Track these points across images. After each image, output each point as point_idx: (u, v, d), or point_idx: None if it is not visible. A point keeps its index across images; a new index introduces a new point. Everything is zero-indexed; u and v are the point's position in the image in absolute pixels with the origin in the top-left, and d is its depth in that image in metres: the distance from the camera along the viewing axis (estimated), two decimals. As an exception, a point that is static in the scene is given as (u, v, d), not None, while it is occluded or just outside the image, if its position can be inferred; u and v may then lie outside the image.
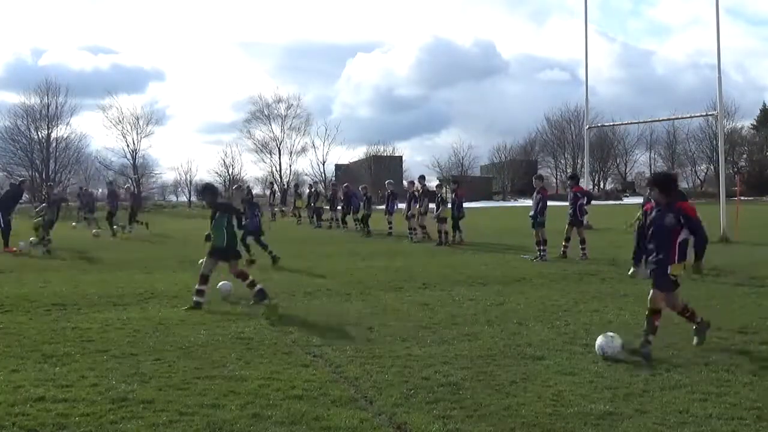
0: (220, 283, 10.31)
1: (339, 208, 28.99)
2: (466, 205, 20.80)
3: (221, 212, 9.86)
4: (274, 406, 5.18)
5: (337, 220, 28.99)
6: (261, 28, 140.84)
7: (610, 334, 6.68)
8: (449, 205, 19.84)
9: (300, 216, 33.50)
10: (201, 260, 12.46)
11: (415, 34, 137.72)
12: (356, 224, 25.62)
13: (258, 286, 9.89)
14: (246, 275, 10.04)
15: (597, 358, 6.51)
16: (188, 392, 5.52)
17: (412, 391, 5.49)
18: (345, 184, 29.36)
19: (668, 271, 6.68)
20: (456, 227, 19.69)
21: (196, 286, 9.58)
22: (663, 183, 6.91)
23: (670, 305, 6.90)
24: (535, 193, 15.93)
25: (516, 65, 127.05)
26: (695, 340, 6.90)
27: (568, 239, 15.61)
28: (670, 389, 5.49)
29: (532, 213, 15.53)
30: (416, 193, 21.37)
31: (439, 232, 19.48)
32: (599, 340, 6.62)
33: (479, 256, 16.37)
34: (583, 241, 15.45)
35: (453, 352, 6.78)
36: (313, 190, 33.30)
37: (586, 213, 15.88)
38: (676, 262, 6.69)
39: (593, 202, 20.83)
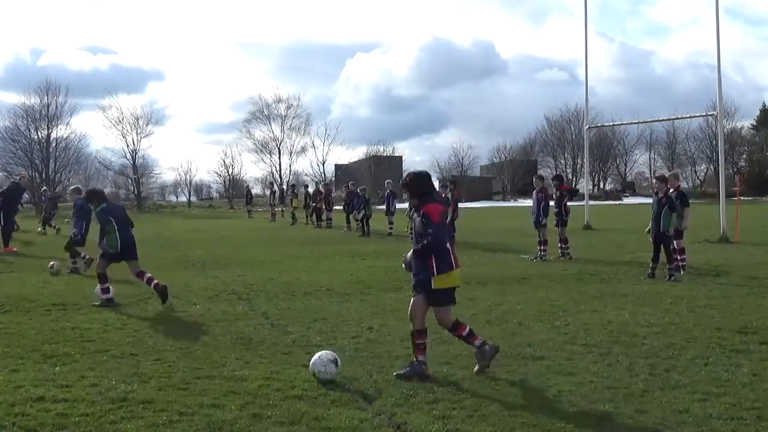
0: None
1: (338, 207, 28.99)
2: (465, 205, 20.82)
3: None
4: (274, 406, 5.18)
5: (330, 219, 29.01)
6: (260, 28, 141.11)
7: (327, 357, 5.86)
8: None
9: (295, 217, 33.43)
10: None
11: (415, 34, 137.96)
12: (357, 224, 25.64)
13: (156, 281, 9.82)
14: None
15: (597, 358, 6.51)
16: (188, 392, 5.52)
17: (412, 391, 5.49)
18: (351, 182, 29.27)
19: (432, 286, 5.94)
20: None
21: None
22: (410, 184, 6.17)
23: (439, 320, 6.14)
24: (535, 193, 15.94)
25: (515, 65, 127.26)
26: (476, 367, 6.05)
27: (564, 239, 15.60)
28: (670, 389, 5.49)
29: (534, 213, 15.56)
30: None
31: None
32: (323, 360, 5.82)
33: (479, 256, 16.37)
34: (565, 241, 15.50)
35: (453, 352, 6.78)
36: (309, 189, 33.34)
37: (569, 212, 15.98)
38: (436, 273, 5.92)
39: (591, 202, 20.87)
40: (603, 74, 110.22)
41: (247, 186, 60.79)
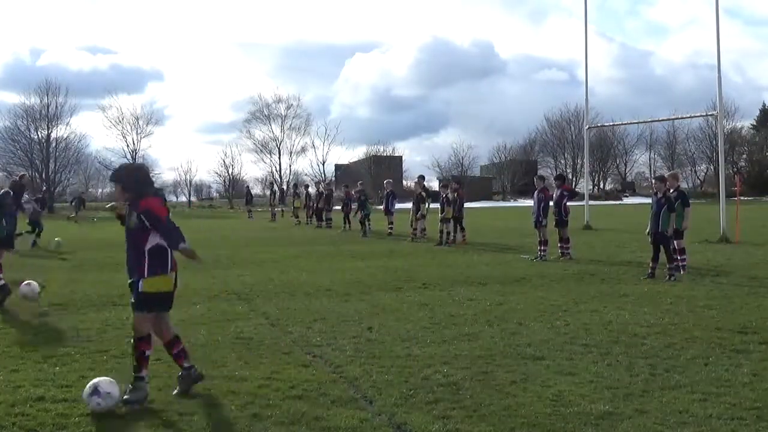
0: (22, 285, 9.76)
1: (337, 207, 28.99)
2: (465, 204, 20.84)
3: None
4: (274, 406, 5.17)
5: (330, 219, 29.00)
6: (259, 29, 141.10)
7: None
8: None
9: (298, 216, 33.44)
10: None
11: (414, 34, 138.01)
12: (361, 225, 25.43)
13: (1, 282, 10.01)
14: None
15: (597, 358, 6.50)
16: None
17: (412, 391, 5.49)
18: (360, 182, 29.22)
19: (140, 288, 5.36)
20: (461, 227, 19.91)
21: None
22: (122, 177, 5.59)
23: (135, 325, 5.46)
24: (536, 193, 15.94)
25: (514, 65, 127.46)
26: (177, 389, 5.52)
27: (565, 239, 15.58)
28: (670, 389, 5.48)
29: (534, 213, 15.57)
30: (423, 194, 21.39)
31: (441, 232, 19.48)
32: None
33: (479, 256, 16.37)
34: (566, 241, 15.50)
35: (453, 352, 6.78)
36: (309, 189, 33.36)
37: (569, 212, 15.96)
38: (147, 275, 5.35)
39: (592, 202, 20.88)
40: (602, 74, 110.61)
41: (247, 186, 60.67)
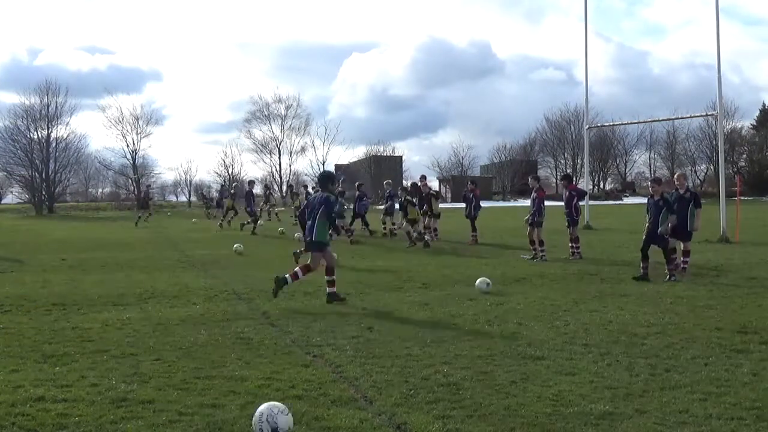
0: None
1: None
2: (462, 204, 20.99)
3: None
4: (274, 406, 5.17)
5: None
6: (257, 29, 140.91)
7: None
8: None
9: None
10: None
11: (411, 34, 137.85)
12: (363, 226, 25.16)
13: None
14: None
15: (597, 358, 6.50)
16: (188, 392, 5.52)
17: (412, 391, 5.49)
18: (358, 182, 29.03)
19: None
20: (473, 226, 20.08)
21: None
22: None
23: None
24: (532, 193, 15.95)
25: (512, 65, 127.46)
26: None
27: (575, 239, 15.55)
28: (670, 389, 5.48)
29: (528, 215, 15.58)
30: (433, 194, 21.39)
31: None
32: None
33: (479, 256, 16.36)
34: (577, 240, 15.51)
35: (453, 352, 6.78)
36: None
37: (580, 212, 15.92)
38: None
39: (592, 201, 20.92)
40: (600, 74, 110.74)
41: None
